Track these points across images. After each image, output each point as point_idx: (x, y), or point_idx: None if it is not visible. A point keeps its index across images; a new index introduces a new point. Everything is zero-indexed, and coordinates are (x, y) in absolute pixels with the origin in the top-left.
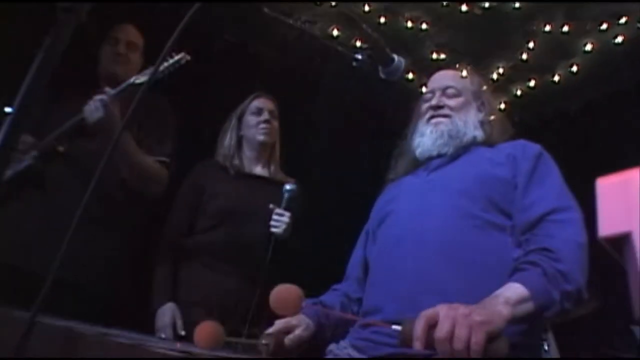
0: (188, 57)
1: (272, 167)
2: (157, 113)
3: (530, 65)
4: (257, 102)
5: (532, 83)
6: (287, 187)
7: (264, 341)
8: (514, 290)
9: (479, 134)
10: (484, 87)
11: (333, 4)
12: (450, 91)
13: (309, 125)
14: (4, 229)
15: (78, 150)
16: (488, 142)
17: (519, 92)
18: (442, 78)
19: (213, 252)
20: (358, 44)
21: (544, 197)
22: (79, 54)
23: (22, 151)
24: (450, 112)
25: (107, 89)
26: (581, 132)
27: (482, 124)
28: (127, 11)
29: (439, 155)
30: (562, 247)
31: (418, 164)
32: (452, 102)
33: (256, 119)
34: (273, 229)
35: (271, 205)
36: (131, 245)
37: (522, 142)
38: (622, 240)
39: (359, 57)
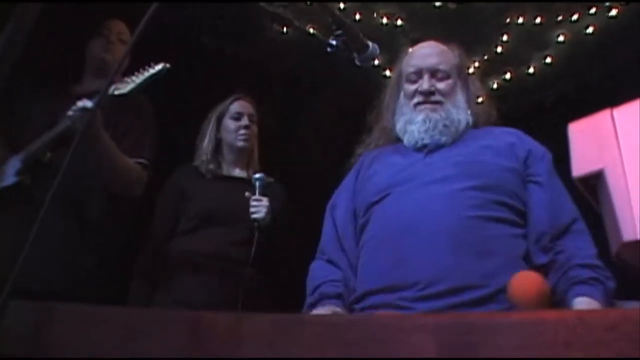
0: (168, 66)
1: (251, 170)
2: (138, 115)
3: (505, 57)
4: (237, 106)
5: (507, 76)
6: (256, 176)
7: None
8: (595, 305)
9: (470, 117)
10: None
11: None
12: (439, 74)
13: (289, 124)
14: None
15: (60, 159)
16: (476, 125)
17: (495, 86)
18: (429, 56)
19: (195, 254)
20: (334, 42)
21: (564, 202)
22: (58, 50)
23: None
24: (442, 98)
25: (85, 100)
26: (557, 123)
27: (469, 104)
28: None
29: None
30: (601, 264)
31: (398, 141)
32: (442, 86)
33: (236, 123)
34: (254, 216)
35: (247, 193)
36: (114, 251)
37: (519, 132)
38: (595, 179)
39: (334, 43)
